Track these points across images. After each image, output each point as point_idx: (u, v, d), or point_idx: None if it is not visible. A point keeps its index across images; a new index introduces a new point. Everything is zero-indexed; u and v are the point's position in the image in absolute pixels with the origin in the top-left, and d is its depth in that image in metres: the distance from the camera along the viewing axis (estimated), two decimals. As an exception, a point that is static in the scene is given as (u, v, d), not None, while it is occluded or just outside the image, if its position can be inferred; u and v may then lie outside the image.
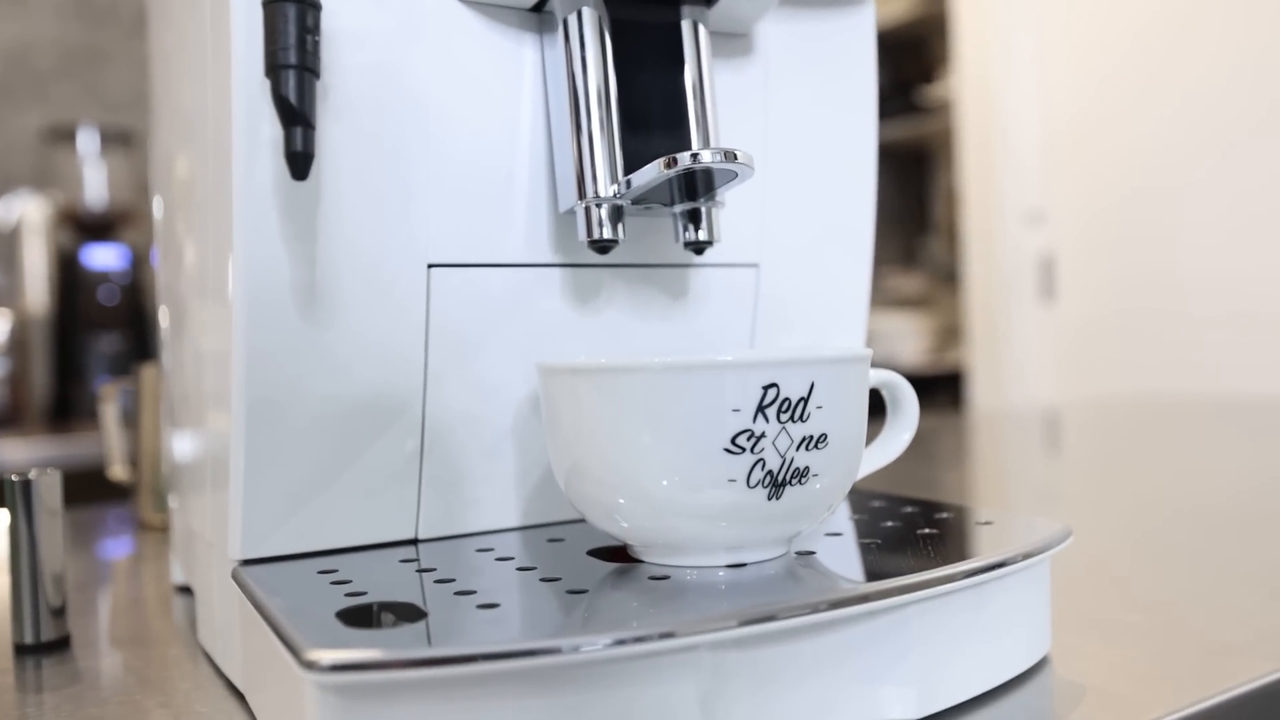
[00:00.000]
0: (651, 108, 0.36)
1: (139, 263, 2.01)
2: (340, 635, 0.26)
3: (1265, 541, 0.51)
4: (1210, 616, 0.38)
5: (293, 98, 0.30)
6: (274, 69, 0.30)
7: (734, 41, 0.39)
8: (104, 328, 2.01)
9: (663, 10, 0.35)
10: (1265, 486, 0.68)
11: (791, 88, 0.40)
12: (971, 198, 2.56)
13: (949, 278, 3.04)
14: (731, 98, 0.39)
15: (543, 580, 0.32)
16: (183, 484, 0.47)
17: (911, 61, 3.35)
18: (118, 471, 0.72)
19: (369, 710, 0.24)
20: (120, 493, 0.80)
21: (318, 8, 0.31)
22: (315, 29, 0.31)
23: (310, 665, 0.23)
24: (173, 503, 0.60)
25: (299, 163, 0.31)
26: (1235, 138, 2.04)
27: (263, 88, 0.31)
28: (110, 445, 0.72)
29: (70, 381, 1.96)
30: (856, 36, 0.42)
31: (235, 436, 0.33)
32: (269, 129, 0.32)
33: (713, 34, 0.38)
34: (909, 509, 0.39)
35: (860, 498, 0.42)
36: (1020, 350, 2.45)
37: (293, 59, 0.30)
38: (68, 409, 1.94)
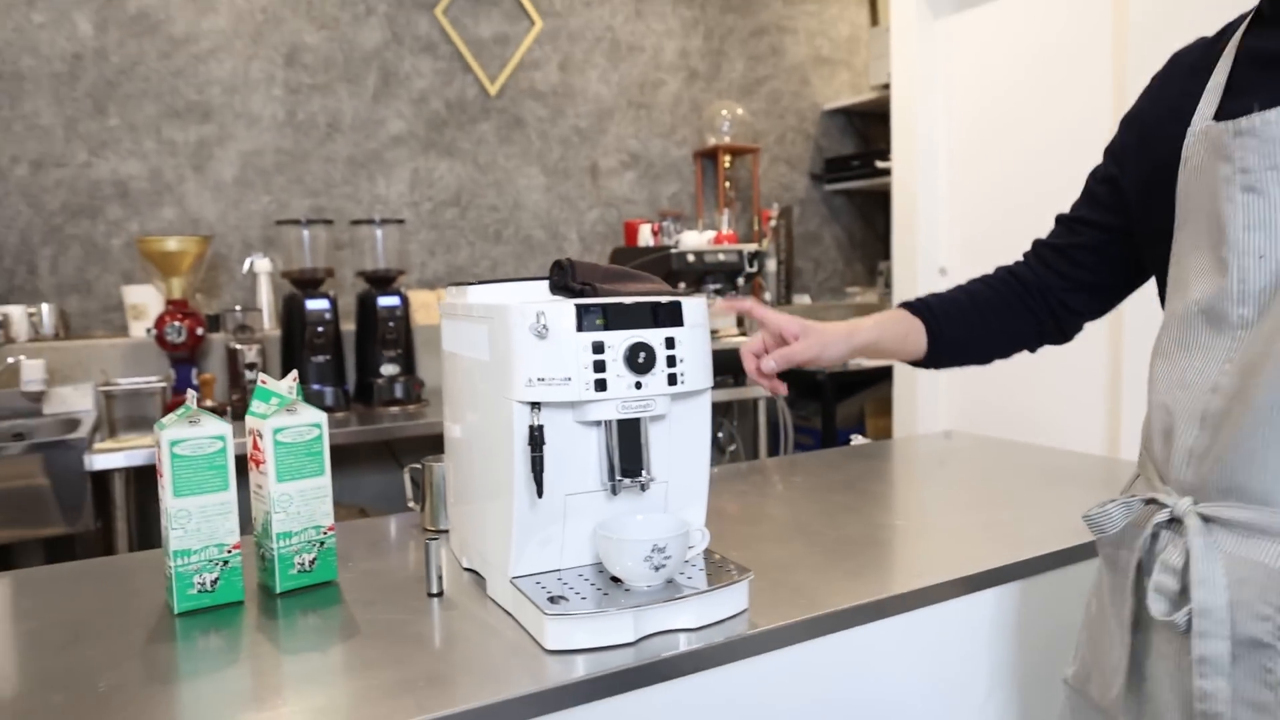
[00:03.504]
0: (630, 450, 0.97)
1: (335, 305, 2.60)
2: (549, 605, 0.88)
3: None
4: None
5: (538, 469, 0.90)
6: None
7: (658, 418, 1.00)
8: (316, 350, 2.56)
9: (634, 421, 0.97)
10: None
11: (677, 424, 1.01)
12: (897, 251, 3.05)
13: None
14: (658, 431, 1.00)
15: (595, 588, 0.93)
16: (465, 523, 1.09)
17: (877, 131, 3.81)
18: (412, 505, 1.33)
19: (556, 623, 0.86)
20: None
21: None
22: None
23: (545, 614, 0.87)
24: (444, 524, 1.22)
25: (539, 490, 0.91)
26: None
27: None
28: (408, 490, 1.34)
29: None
30: (700, 402, 1.02)
31: (512, 543, 0.96)
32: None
33: (650, 419, 0.99)
34: (716, 562, 1.01)
35: (709, 552, 1.04)
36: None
37: (539, 451, 0.91)
38: None
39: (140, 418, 2.22)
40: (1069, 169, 2.60)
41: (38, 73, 2.58)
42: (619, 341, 0.90)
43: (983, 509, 1.31)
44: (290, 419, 1.04)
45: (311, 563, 1.06)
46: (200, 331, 2.44)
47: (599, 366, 0.90)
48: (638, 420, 0.95)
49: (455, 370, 1.08)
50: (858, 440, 1.80)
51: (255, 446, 1.05)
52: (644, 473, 0.94)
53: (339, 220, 2.94)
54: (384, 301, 2.64)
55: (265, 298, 2.75)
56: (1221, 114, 0.76)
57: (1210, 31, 0.91)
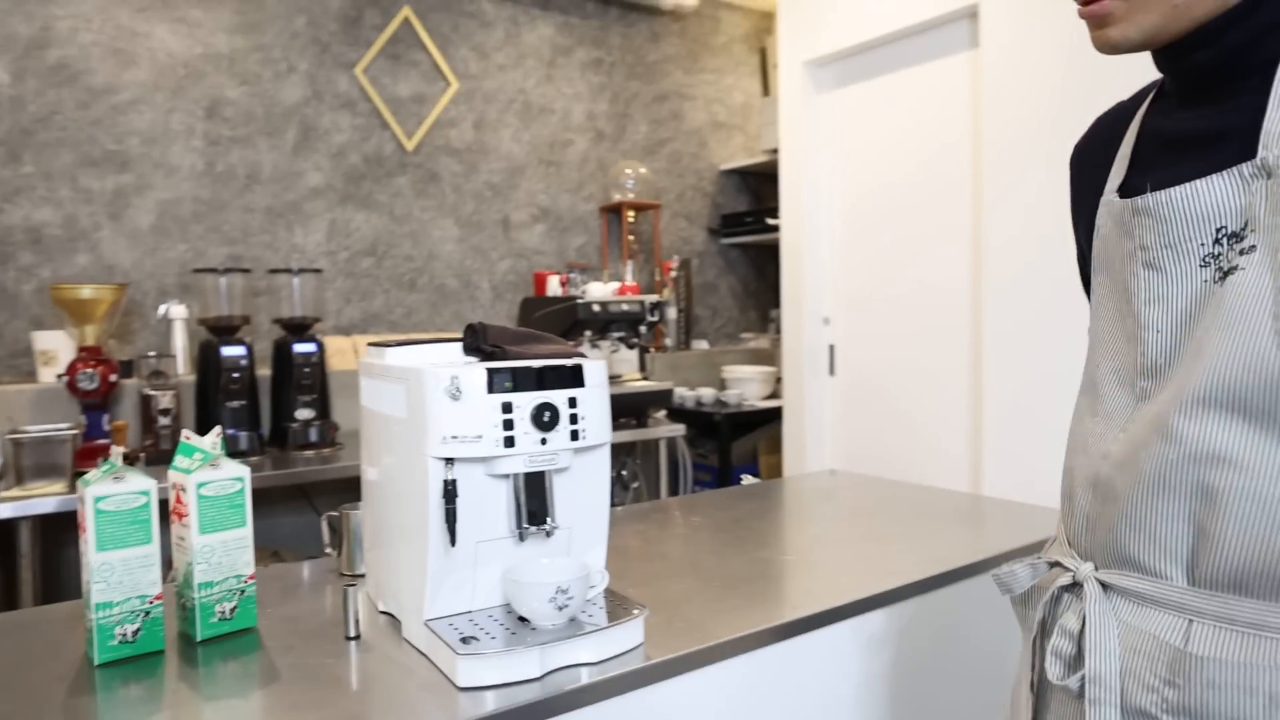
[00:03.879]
0: (536, 500, 1.02)
1: (252, 351, 2.56)
2: (460, 646, 0.92)
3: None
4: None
5: (451, 520, 0.94)
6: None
7: (561, 470, 1.05)
8: (231, 396, 2.51)
9: (540, 474, 1.02)
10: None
11: (579, 475, 1.07)
12: (786, 302, 3.18)
13: (785, 342, 3.68)
14: (562, 482, 1.05)
15: (504, 628, 0.97)
16: (381, 568, 1.11)
17: (769, 190, 3.97)
18: (329, 551, 1.35)
19: (467, 661, 0.90)
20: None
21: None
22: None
23: (457, 653, 0.90)
24: (360, 569, 1.24)
25: (452, 538, 0.95)
26: (935, 279, 2.72)
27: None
28: (325, 536, 1.35)
29: (209, 429, 2.47)
30: (601, 455, 1.08)
31: (426, 588, 0.99)
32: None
33: (555, 471, 1.04)
34: (615, 601, 1.06)
35: (609, 593, 1.09)
36: (814, 406, 3.10)
37: (452, 503, 0.95)
38: None
39: (50, 465, 2.14)
40: (936, 226, 2.84)
41: (-52, 120, 2.49)
42: (526, 402, 0.96)
43: (861, 542, 1.40)
44: (213, 474, 1.05)
45: (232, 610, 1.07)
46: (114, 378, 2.37)
47: (508, 425, 0.95)
48: (543, 473, 1.00)
49: (373, 424, 1.11)
50: (748, 480, 1.89)
51: (179, 500, 1.06)
52: (549, 520, 0.99)
53: (256, 269, 2.90)
54: (300, 348, 2.62)
55: (180, 344, 2.69)
56: (1125, 189, 0.74)
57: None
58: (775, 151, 3.67)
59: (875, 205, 2.92)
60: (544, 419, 0.95)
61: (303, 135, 2.99)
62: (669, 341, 3.62)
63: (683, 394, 3.42)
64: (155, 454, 2.41)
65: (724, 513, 1.62)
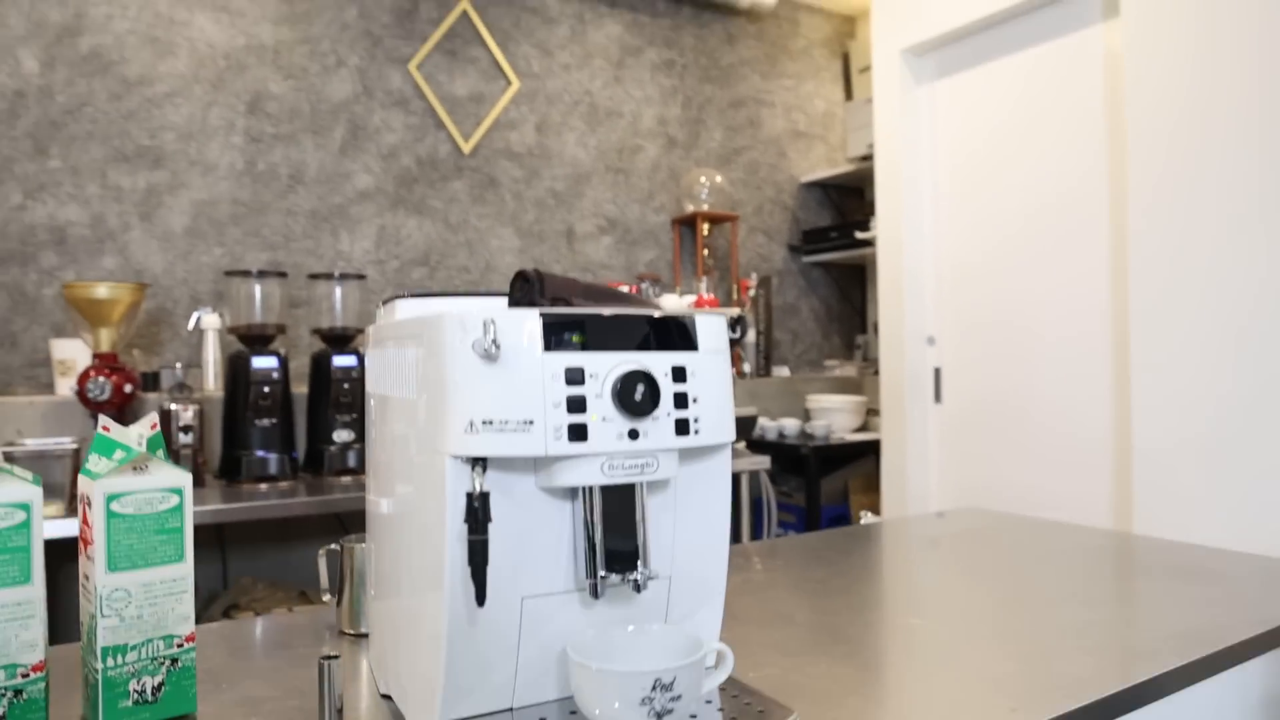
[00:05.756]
0: (620, 533, 0.60)
1: (286, 364, 2.25)
2: None
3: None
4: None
5: (480, 558, 0.55)
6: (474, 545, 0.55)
7: (660, 483, 0.66)
8: (261, 413, 2.19)
9: (625, 487, 0.63)
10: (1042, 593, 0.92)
11: (686, 496, 0.67)
12: (884, 321, 2.76)
13: (875, 368, 3.27)
14: (657, 506, 0.66)
15: None
16: (383, 631, 0.73)
17: (853, 204, 3.58)
18: (327, 599, 0.94)
19: None
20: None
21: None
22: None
23: None
24: (365, 626, 0.86)
25: (480, 595, 0.54)
26: (1067, 294, 2.28)
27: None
28: (322, 580, 0.97)
29: (237, 450, 2.15)
30: (718, 464, 0.68)
31: (438, 670, 0.60)
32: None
33: (649, 485, 0.65)
34: (733, 694, 0.66)
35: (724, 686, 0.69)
36: (916, 436, 2.66)
37: (483, 532, 0.55)
38: (236, 470, 2.14)
39: (46, 485, 1.82)
40: (1059, 230, 2.39)
41: (-27, 110, 2.25)
42: (606, 369, 0.57)
43: (1062, 606, 0.97)
44: (135, 481, 0.69)
45: (157, 689, 0.69)
46: (129, 389, 2.06)
47: (576, 405, 0.56)
48: (632, 487, 0.61)
49: (380, 418, 0.74)
50: (868, 518, 1.46)
51: (85, 520, 0.70)
52: (640, 566, 0.60)
53: (296, 276, 2.60)
54: (340, 361, 2.29)
55: (211, 356, 2.38)
56: None
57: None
58: (863, 159, 3.28)
59: (987, 209, 2.49)
60: (636, 398, 0.57)
61: (351, 134, 2.70)
62: (747, 367, 3.21)
63: (764, 424, 3.00)
64: (171, 476, 2.08)
65: (846, 560, 1.21)
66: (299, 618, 0.98)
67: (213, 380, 2.35)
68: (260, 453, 2.18)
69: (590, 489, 0.60)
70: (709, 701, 0.64)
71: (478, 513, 0.53)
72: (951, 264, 2.61)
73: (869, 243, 3.09)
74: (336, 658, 0.67)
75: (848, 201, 3.65)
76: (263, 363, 2.19)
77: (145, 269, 2.42)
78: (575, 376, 0.56)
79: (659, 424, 0.59)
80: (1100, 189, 2.19)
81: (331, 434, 2.28)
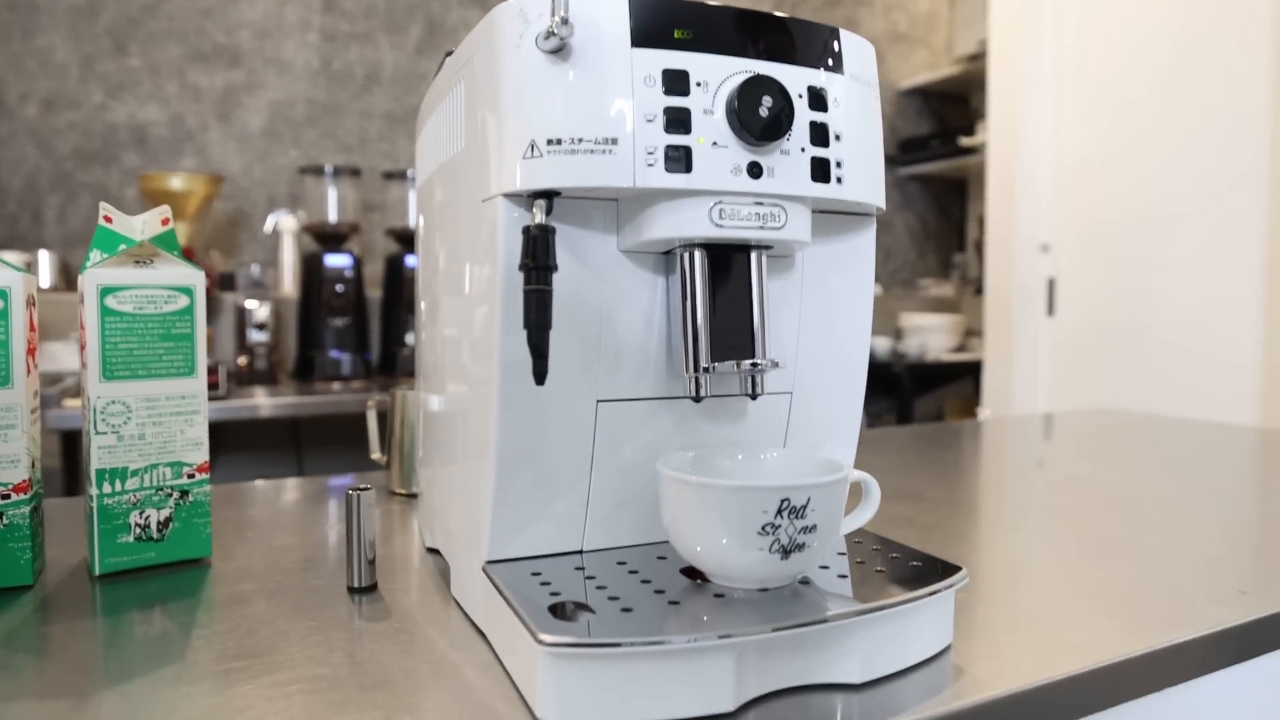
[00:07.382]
0: (731, 309, 0.43)
1: (359, 264, 2.15)
2: (551, 625, 0.36)
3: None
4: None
5: (541, 314, 0.37)
6: (530, 289, 0.37)
7: (782, 260, 0.48)
8: (335, 312, 2.10)
9: (739, 252, 0.46)
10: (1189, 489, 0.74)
11: (816, 283, 0.49)
12: (993, 227, 2.51)
13: (975, 287, 3.01)
14: (778, 293, 0.48)
15: (655, 591, 0.40)
16: (434, 485, 0.56)
17: (955, 112, 3.28)
18: (376, 456, 0.82)
19: (565, 665, 0.35)
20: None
21: (553, 230, 0.38)
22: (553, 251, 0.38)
23: (541, 642, 0.35)
24: (416, 486, 0.73)
25: (540, 367, 0.37)
26: (1214, 189, 1.99)
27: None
28: (371, 437, 0.83)
29: (311, 349, 2.10)
30: (861, 244, 0.49)
31: (487, 490, 0.43)
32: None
33: (769, 258, 0.47)
34: (874, 548, 0.49)
35: (851, 537, 0.52)
36: (1024, 354, 2.42)
37: (544, 282, 0.37)
38: (309, 370, 2.07)
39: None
40: (1208, 120, 2.04)
41: (54, 5, 2.17)
42: (720, 76, 0.40)
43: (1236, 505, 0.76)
44: (135, 274, 0.55)
45: (163, 525, 0.57)
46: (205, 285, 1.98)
47: (677, 121, 0.39)
48: (747, 255, 0.44)
49: (428, 219, 0.59)
50: (985, 414, 1.26)
51: (81, 325, 0.57)
52: (758, 354, 0.43)
53: (372, 179, 2.48)
54: (413, 261, 2.16)
55: (288, 258, 2.30)
56: None
57: None
58: (972, 58, 2.97)
59: (1119, 104, 2.19)
60: (761, 115, 0.39)
61: (428, 33, 2.55)
62: (836, 283, 2.98)
63: (853, 341, 2.78)
64: (249, 374, 2.02)
65: (970, 445, 1.02)
66: (346, 478, 0.85)
67: (289, 282, 2.27)
68: (334, 353, 2.09)
69: (693, 252, 0.43)
70: (842, 553, 0.47)
71: (537, 252, 0.37)
72: (1074, 161, 2.32)
73: (974, 150, 2.80)
74: (367, 489, 0.53)
75: (950, 109, 3.34)
76: (336, 261, 2.09)
77: (224, 169, 2.34)
78: (677, 83, 0.39)
79: (790, 161, 0.41)
80: (1260, 77, 1.88)
81: (404, 335, 2.18)
